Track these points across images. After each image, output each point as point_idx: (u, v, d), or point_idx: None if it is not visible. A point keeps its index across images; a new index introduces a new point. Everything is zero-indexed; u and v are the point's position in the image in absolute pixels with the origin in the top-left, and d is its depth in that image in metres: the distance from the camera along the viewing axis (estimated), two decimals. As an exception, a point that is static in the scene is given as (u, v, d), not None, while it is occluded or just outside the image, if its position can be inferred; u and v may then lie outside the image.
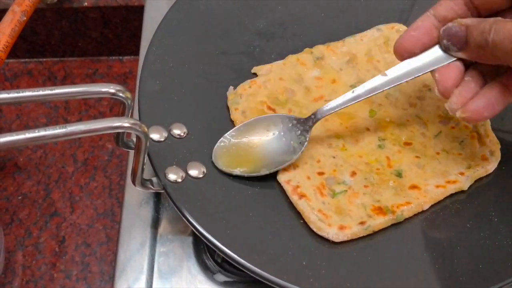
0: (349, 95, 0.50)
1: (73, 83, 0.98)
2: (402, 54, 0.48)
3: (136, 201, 0.54)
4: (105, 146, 0.97)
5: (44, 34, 0.95)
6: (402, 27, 0.59)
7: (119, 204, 0.89)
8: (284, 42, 0.59)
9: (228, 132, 0.51)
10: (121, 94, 0.42)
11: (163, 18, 0.58)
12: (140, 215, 0.53)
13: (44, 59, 1.00)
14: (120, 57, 1.01)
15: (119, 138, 0.48)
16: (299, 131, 0.50)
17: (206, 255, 0.51)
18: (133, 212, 0.53)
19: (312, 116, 0.51)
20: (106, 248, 0.86)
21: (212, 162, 0.50)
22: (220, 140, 0.51)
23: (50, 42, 0.96)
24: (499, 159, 0.51)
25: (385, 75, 0.49)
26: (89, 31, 0.97)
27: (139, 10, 0.86)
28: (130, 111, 0.44)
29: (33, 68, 1.01)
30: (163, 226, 0.53)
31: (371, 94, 0.49)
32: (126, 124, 0.40)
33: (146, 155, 0.44)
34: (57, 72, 1.00)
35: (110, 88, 0.42)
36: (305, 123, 0.51)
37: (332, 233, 0.46)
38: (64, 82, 0.99)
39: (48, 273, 0.81)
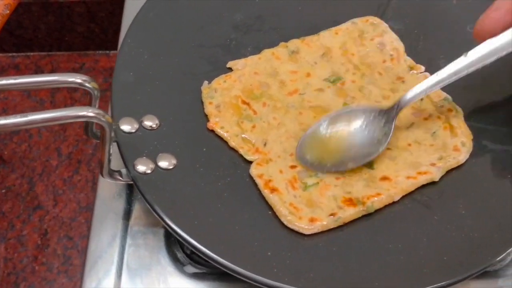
0: (432, 79, 0.49)
1: (59, 77, 0.98)
2: (484, 35, 0.48)
3: (109, 193, 0.54)
4: (90, 139, 0.97)
5: (31, 28, 0.96)
6: (376, 20, 0.59)
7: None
8: (261, 35, 0.59)
9: (311, 128, 0.51)
10: (87, 84, 0.42)
11: (139, 10, 0.58)
12: (112, 207, 0.53)
13: (31, 53, 1.00)
14: (107, 51, 1.02)
15: (88, 128, 0.48)
16: (383, 122, 0.50)
17: (176, 247, 0.51)
18: (106, 204, 0.53)
19: (396, 106, 0.50)
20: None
21: (299, 159, 0.49)
22: (304, 136, 0.50)
23: (37, 36, 0.97)
24: (470, 150, 0.51)
25: (466, 56, 0.48)
26: (75, 26, 0.97)
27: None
28: (98, 101, 0.44)
29: (20, 62, 1.01)
30: (135, 218, 0.53)
31: (454, 78, 0.49)
32: (90, 114, 0.40)
33: (111, 146, 0.44)
34: (44, 66, 1.00)
35: (76, 78, 0.42)
36: (389, 114, 0.50)
37: (303, 226, 0.47)
38: (50, 76, 0.99)
39: (30, 266, 0.82)
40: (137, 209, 0.53)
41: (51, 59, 1.03)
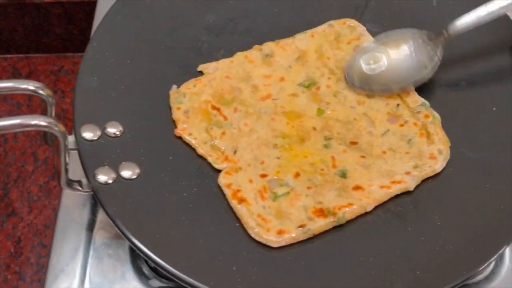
0: (483, 9, 0.49)
1: (37, 79, 0.96)
2: None
3: (72, 203, 0.52)
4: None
5: (8, 30, 0.93)
6: (354, 22, 0.57)
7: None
8: (234, 38, 0.57)
9: (358, 49, 0.53)
10: (40, 92, 0.40)
11: (107, 11, 0.56)
12: (75, 218, 0.51)
13: (9, 55, 0.98)
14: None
15: (46, 136, 0.46)
16: (430, 47, 0.51)
17: (141, 260, 0.49)
18: (69, 214, 0.51)
19: (444, 32, 0.51)
20: (62, 250, 0.83)
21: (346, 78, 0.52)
22: (353, 56, 0.53)
23: (14, 38, 0.94)
24: (448, 158, 0.49)
25: None
26: (53, 27, 0.95)
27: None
28: (53, 109, 0.42)
29: (-3, 65, 0.99)
30: (99, 229, 0.50)
31: (503, 11, 0.49)
32: (42, 123, 0.38)
33: (67, 155, 0.41)
34: (22, 69, 0.98)
35: (29, 85, 0.40)
36: (437, 39, 0.51)
37: (270, 239, 0.44)
38: (28, 78, 0.98)
39: (2, 275, 0.79)
40: (101, 219, 0.51)
41: (29, 61, 1.00)
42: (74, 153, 0.47)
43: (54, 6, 0.91)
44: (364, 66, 0.52)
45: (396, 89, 0.51)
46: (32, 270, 0.81)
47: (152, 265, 0.48)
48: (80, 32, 0.96)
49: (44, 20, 0.95)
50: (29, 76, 1.00)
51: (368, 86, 0.52)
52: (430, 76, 0.51)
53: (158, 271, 0.48)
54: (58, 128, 0.38)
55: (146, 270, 0.49)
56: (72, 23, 0.94)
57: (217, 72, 0.54)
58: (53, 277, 0.48)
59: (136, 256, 0.49)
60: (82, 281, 0.48)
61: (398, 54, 0.51)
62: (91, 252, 0.49)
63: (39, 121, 0.38)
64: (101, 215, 0.51)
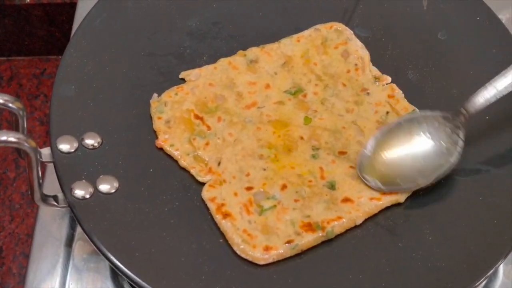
0: (502, 82, 0.45)
1: (19, 83, 0.94)
2: None
3: (49, 217, 0.49)
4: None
5: (-13, 32, 0.91)
6: (341, 26, 0.55)
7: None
8: (218, 43, 0.55)
9: (368, 147, 0.46)
10: (10, 105, 0.38)
11: (85, 16, 0.54)
12: (53, 232, 0.49)
13: (-11, 58, 0.95)
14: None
15: (20, 150, 0.43)
16: (449, 129, 0.45)
17: (122, 276, 0.46)
18: (46, 228, 0.49)
19: (463, 111, 0.45)
20: (44, 260, 0.81)
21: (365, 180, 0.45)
22: (361, 156, 0.46)
23: (-6, 40, 0.92)
24: None
25: None
26: (35, 30, 0.92)
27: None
28: (25, 123, 0.40)
29: (-22, 68, 0.96)
30: (78, 244, 0.48)
31: None
32: (12, 139, 0.36)
33: (39, 170, 0.39)
34: (3, 72, 0.95)
35: (-2, 98, 0.37)
36: (455, 119, 0.45)
37: (256, 256, 0.43)
38: (10, 82, 0.95)
39: (-17, 287, 0.77)
40: (80, 234, 0.49)
41: (11, 64, 0.98)
42: (50, 166, 0.45)
43: (35, 8, 0.89)
44: (375, 166, 0.45)
45: (423, 182, 0.45)
46: (14, 281, 0.79)
47: (132, 283, 0.46)
48: (62, 35, 0.93)
49: (25, 22, 0.92)
50: (10, 80, 0.97)
51: (392, 185, 0.45)
52: (457, 162, 0.45)
53: (138, 289, 0.46)
54: (28, 144, 0.36)
55: (127, 286, 0.47)
56: (54, 25, 0.92)
57: (200, 79, 0.52)
58: (29, 293, 0.46)
59: (116, 273, 0.47)
60: (60, 298, 0.46)
61: (413, 141, 0.45)
62: (69, 268, 0.47)
63: (7, 137, 0.36)
64: (80, 229, 0.49)
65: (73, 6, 0.88)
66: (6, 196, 0.85)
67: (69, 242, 0.49)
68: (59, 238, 0.49)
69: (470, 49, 0.53)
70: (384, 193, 0.46)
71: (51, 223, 0.49)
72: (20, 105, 0.38)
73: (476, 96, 0.46)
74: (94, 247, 0.41)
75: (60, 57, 1.02)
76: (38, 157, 0.38)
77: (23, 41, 0.94)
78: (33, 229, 0.89)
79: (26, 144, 0.36)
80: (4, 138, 0.36)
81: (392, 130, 0.47)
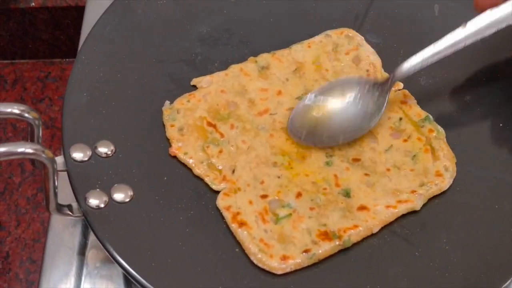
0: (429, 50, 0.47)
1: (23, 87, 0.93)
2: (484, 6, 0.45)
3: (62, 225, 0.49)
4: (56, 155, 0.92)
5: (-8, 35, 0.90)
6: (351, 32, 0.55)
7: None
8: (229, 50, 0.54)
9: (302, 101, 0.49)
10: (26, 115, 0.37)
11: (95, 22, 0.53)
12: (65, 240, 0.48)
13: (-6, 62, 0.95)
14: (74, 59, 0.96)
15: (34, 160, 0.43)
16: (376, 95, 0.48)
17: (137, 286, 0.46)
18: (58, 237, 0.49)
19: (390, 78, 0.48)
20: (51, 266, 0.80)
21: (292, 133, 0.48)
22: (295, 109, 0.49)
23: (-1, 43, 0.91)
24: (454, 175, 0.47)
25: (465, 27, 0.46)
26: (39, 33, 0.92)
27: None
28: (41, 132, 0.40)
29: (-18, 71, 0.95)
30: (91, 253, 0.48)
31: (451, 50, 0.46)
32: (29, 150, 0.35)
33: (56, 180, 0.39)
34: (7, 75, 0.95)
35: (14, 108, 0.37)
36: (383, 86, 0.48)
37: (274, 265, 0.42)
38: (14, 85, 0.95)
39: (-11, 293, 0.77)
40: (93, 242, 0.49)
41: (15, 67, 0.97)
42: (63, 174, 0.45)
43: (40, 11, 0.88)
44: (308, 117, 0.48)
45: (342, 139, 0.48)
46: (21, 287, 0.78)
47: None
48: (67, 38, 0.93)
49: (30, 26, 0.92)
50: (14, 83, 0.97)
51: (313, 138, 0.48)
52: (375, 125, 0.48)
53: (153, 298, 0.46)
54: (46, 155, 0.36)
55: (140, 295, 0.46)
56: (59, 28, 0.91)
57: (211, 86, 0.52)
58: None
59: (131, 282, 0.47)
60: (75, 308, 0.45)
61: (343, 103, 0.49)
62: (83, 277, 0.47)
63: (25, 149, 0.36)
64: (93, 237, 0.49)
65: (78, 10, 0.88)
66: (12, 201, 0.85)
67: (82, 251, 0.48)
68: (71, 246, 0.48)
69: (483, 57, 0.53)
70: (399, 200, 0.46)
71: (63, 231, 0.49)
72: (36, 115, 0.38)
73: (404, 63, 0.48)
74: (110, 257, 0.41)
75: (65, 60, 1.02)
76: (55, 167, 0.37)
77: (27, 44, 0.94)
78: (44, 235, 0.89)
79: (43, 155, 0.36)
80: (21, 150, 0.35)
81: (327, 90, 0.50)
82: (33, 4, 0.87)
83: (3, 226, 0.82)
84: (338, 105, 0.49)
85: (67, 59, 1.00)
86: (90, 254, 0.48)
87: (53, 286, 0.47)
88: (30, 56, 0.97)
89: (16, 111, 0.37)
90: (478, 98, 0.48)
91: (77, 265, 0.48)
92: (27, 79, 0.96)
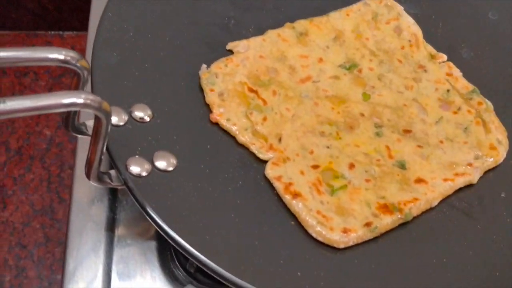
0: None
1: (5, 60, 0.86)
2: None
3: (86, 198, 0.44)
4: (42, 132, 0.86)
5: (-30, 2, 0.83)
6: (390, 1, 0.52)
7: (60, 199, 0.79)
8: (263, 15, 0.51)
9: None
10: (74, 62, 0.32)
11: (121, -22, 0.48)
12: (92, 215, 0.43)
13: (-30, 31, 0.87)
14: (61, 32, 0.90)
15: (69, 120, 0.38)
16: None
17: (174, 263, 0.42)
18: (83, 212, 0.44)
19: None
20: (45, 250, 0.75)
21: None
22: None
23: (-23, 11, 0.84)
24: (507, 148, 0.45)
25: None
26: (24, 1, 0.85)
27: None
28: (86, 86, 0.35)
29: (-43, 41, 0.88)
30: (120, 228, 0.43)
31: None
32: (82, 101, 0.31)
33: (105, 142, 0.34)
34: (-14, 47, 0.87)
35: (60, 54, 0.32)
36: None
37: (335, 239, 0.39)
38: (-6, 58, 0.87)
39: (-25, 280, 0.70)
40: (121, 217, 0.44)
41: (-6, 38, 0.90)
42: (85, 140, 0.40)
43: (27, -24, 0.82)
44: None
45: None
46: (11, 274, 0.72)
47: (192, 270, 0.41)
48: (54, 8, 0.86)
49: (14, -8, 0.84)
50: (-6, 55, 0.89)
51: None
52: None
53: (196, 277, 0.42)
54: (103, 107, 0.31)
55: (179, 274, 0.42)
56: (47, -4, 0.85)
57: (249, 52, 0.48)
58: (70, 280, 0.41)
59: (166, 259, 0.43)
60: (107, 285, 0.41)
61: None
62: (113, 256, 0.42)
63: (77, 99, 0.31)
64: (122, 212, 0.44)
65: (71, -24, 0.82)
66: (-4, 181, 0.78)
67: (110, 227, 0.44)
68: (98, 222, 0.44)
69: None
70: (456, 173, 0.44)
71: (88, 206, 0.44)
72: (86, 63, 0.33)
73: None
74: (160, 231, 0.37)
75: (50, 32, 0.95)
76: (109, 125, 0.33)
77: (10, 13, 0.87)
78: (33, 214, 0.82)
79: (99, 107, 0.31)
80: (73, 100, 0.30)
81: None
82: (21, -33, 0.80)
83: (-13, 209, 0.75)
84: None
85: (52, 32, 0.93)
86: (120, 230, 0.44)
87: (81, 265, 0.42)
88: (11, 27, 0.90)
89: (62, 57, 0.32)
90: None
91: (106, 242, 0.43)
92: (8, 52, 0.88)
